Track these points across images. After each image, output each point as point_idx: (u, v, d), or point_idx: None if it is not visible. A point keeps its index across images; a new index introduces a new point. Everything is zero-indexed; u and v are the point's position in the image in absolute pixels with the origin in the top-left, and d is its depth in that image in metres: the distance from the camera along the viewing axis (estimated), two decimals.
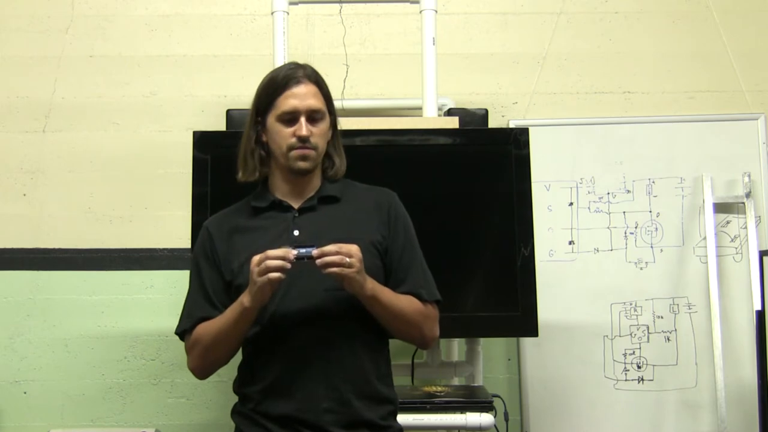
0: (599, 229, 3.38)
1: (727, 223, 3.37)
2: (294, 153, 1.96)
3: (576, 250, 3.37)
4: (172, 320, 3.38)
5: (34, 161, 3.45)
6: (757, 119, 3.43)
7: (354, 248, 1.84)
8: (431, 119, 2.98)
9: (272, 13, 3.03)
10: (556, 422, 3.31)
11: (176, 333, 2.03)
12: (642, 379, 3.32)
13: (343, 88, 3.38)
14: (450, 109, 3.30)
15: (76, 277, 3.40)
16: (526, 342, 3.31)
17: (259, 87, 2.03)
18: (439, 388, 2.77)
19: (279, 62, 2.91)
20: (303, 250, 1.83)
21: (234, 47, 3.50)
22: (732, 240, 3.36)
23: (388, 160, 2.74)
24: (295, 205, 2.01)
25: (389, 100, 3.43)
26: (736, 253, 3.35)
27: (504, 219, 2.78)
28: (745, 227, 3.33)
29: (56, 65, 3.48)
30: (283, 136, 1.96)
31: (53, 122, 3.46)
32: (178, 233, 3.33)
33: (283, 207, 2.01)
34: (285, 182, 2.01)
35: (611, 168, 3.40)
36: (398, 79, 3.43)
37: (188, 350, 2.01)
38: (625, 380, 3.32)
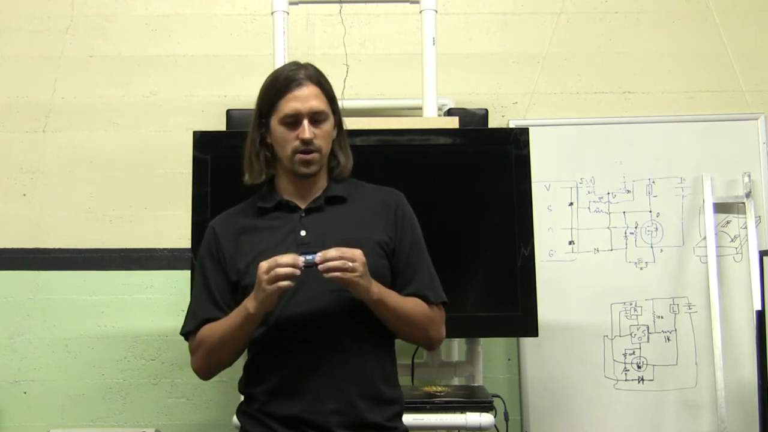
0: (599, 229, 3.38)
1: (727, 223, 3.37)
2: (298, 158, 1.95)
3: (576, 250, 3.37)
4: (172, 320, 3.41)
5: (34, 161, 3.45)
6: (757, 119, 3.43)
7: (357, 253, 1.83)
8: (431, 119, 2.98)
9: (272, 13, 3.03)
10: (556, 422, 3.31)
11: (181, 334, 2.03)
12: (642, 379, 3.32)
13: (343, 88, 3.37)
14: (450, 109, 3.30)
15: (76, 277, 3.40)
16: (526, 342, 3.31)
17: (262, 89, 2.02)
18: (439, 388, 2.77)
19: (279, 62, 2.91)
20: (309, 257, 1.82)
21: (234, 47, 3.50)
22: (732, 240, 3.36)
23: (388, 160, 2.74)
24: (302, 205, 2.00)
25: (389, 100, 3.43)
26: (736, 253, 3.35)
27: (504, 219, 2.78)
28: (745, 227, 3.33)
29: (56, 65, 3.48)
30: (286, 139, 1.95)
31: (53, 122, 3.46)
32: (178, 233, 3.33)
33: (289, 207, 2.00)
34: (291, 183, 2.01)
35: (611, 168, 3.40)
36: (398, 79, 3.43)
37: (192, 351, 2.01)
38: (625, 380, 3.32)
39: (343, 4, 3.37)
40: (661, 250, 3.37)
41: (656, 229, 3.38)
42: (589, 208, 3.39)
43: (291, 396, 1.91)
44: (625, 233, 3.38)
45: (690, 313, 3.33)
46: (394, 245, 1.99)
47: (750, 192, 3.34)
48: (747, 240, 3.33)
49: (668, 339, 3.33)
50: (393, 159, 2.76)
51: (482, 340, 3.01)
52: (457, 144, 2.86)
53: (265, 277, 1.81)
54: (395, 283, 1.98)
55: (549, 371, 3.32)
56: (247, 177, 2.02)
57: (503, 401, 2.79)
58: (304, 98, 1.95)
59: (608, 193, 3.40)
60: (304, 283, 1.87)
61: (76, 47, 3.49)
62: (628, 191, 3.39)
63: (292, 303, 1.91)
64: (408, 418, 2.28)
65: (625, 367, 3.33)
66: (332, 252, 1.82)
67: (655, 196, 3.38)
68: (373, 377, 1.94)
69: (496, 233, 2.80)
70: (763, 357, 3.20)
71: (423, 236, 2.07)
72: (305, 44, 3.47)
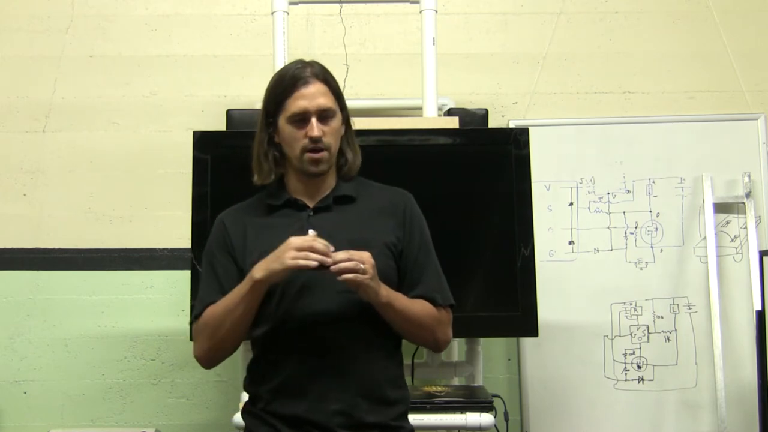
0: (599, 229, 3.38)
1: (727, 223, 3.37)
2: (307, 157, 1.94)
3: (576, 250, 3.37)
4: (172, 320, 3.41)
5: (34, 161, 3.45)
6: (757, 119, 3.43)
7: (366, 255, 1.82)
8: (431, 119, 2.98)
9: (272, 13, 3.03)
10: (556, 422, 3.31)
11: (193, 317, 2.01)
12: (642, 379, 3.32)
13: (343, 89, 3.34)
14: (450, 109, 3.30)
15: (76, 277, 3.40)
16: (526, 342, 3.31)
17: (268, 88, 2.00)
18: (439, 388, 2.76)
19: (279, 62, 2.91)
20: None
21: (234, 47, 3.50)
22: (732, 240, 3.36)
23: (388, 160, 2.73)
24: (310, 204, 1.99)
25: (389, 100, 3.43)
26: (736, 253, 3.35)
27: (504, 219, 2.78)
28: (745, 227, 3.33)
29: (56, 65, 3.48)
30: (295, 137, 1.94)
31: (53, 122, 3.46)
32: (178, 233, 3.33)
33: (298, 206, 1.99)
34: (300, 182, 2.00)
35: (611, 168, 3.40)
36: (398, 79, 3.44)
37: (196, 336, 1.99)
38: (625, 380, 3.32)
39: (343, 4, 3.37)
40: (661, 250, 3.37)
41: (656, 229, 3.38)
42: (589, 208, 3.39)
43: (295, 396, 1.90)
44: (625, 233, 3.38)
45: (690, 313, 3.33)
46: (401, 246, 1.98)
47: (750, 192, 3.34)
48: (747, 240, 3.33)
49: (668, 339, 3.34)
50: (393, 159, 2.76)
51: (482, 340, 3.00)
52: (457, 144, 2.86)
53: (294, 253, 1.80)
54: (402, 284, 1.97)
55: (549, 371, 3.32)
56: (256, 177, 2.00)
57: (503, 401, 2.79)
58: (312, 96, 1.94)
59: (608, 193, 3.40)
60: (311, 282, 1.88)
61: (76, 47, 3.49)
62: (628, 191, 3.39)
63: (299, 302, 1.90)
64: (408, 418, 2.28)
65: (625, 367, 3.33)
66: (341, 254, 1.81)
67: (655, 196, 3.38)
68: (378, 379, 1.94)
69: (496, 233, 2.80)
70: (763, 357, 3.20)
71: None
72: (305, 44, 3.47)
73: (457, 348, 3.11)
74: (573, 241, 3.38)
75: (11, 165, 3.46)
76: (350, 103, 3.47)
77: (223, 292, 1.94)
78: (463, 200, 2.81)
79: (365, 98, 3.41)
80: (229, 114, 3.28)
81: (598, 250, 3.37)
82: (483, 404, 2.61)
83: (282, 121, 1.96)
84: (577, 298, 3.34)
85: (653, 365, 3.32)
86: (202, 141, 2.78)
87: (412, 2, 3.09)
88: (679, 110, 3.49)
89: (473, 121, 3.27)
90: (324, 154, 1.95)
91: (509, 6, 3.55)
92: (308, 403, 1.89)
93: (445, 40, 3.28)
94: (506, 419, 2.77)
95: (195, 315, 1.99)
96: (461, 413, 2.59)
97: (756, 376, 3.23)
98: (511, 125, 3.40)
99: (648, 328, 3.34)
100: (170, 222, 3.39)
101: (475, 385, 2.92)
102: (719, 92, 3.52)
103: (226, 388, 3.31)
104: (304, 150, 1.94)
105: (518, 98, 3.51)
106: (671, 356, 3.33)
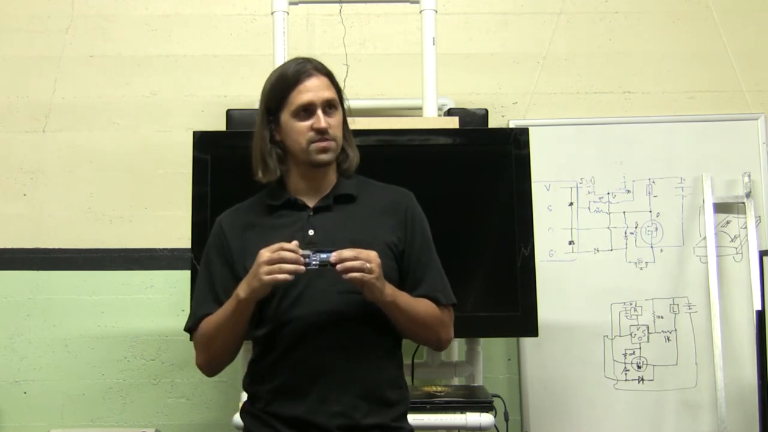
0: (599, 229, 3.38)
1: (727, 223, 3.37)
2: (315, 146, 1.92)
3: (576, 250, 3.37)
4: (172, 320, 3.41)
5: (34, 161, 3.45)
6: (757, 119, 3.43)
7: (373, 254, 1.81)
8: (431, 119, 2.98)
9: (272, 13, 3.03)
10: (556, 422, 3.31)
11: (185, 330, 2.03)
12: (642, 379, 3.32)
13: (343, 88, 3.35)
14: (450, 109, 3.30)
15: (76, 277, 3.40)
16: (526, 342, 3.31)
17: (267, 85, 2.00)
18: (439, 388, 2.76)
19: (279, 62, 2.91)
20: (323, 255, 1.80)
21: (234, 47, 3.50)
22: (732, 240, 3.36)
23: (388, 160, 2.73)
24: (311, 203, 1.98)
25: (389, 100, 3.43)
26: (736, 253, 3.35)
27: (504, 219, 2.78)
28: (745, 227, 3.34)
29: (56, 65, 3.48)
30: (300, 131, 1.93)
31: (53, 122, 3.46)
32: (178, 233, 3.33)
33: (298, 205, 1.98)
34: (301, 179, 1.99)
35: (611, 168, 3.40)
36: (398, 79, 3.44)
37: (195, 347, 2.01)
38: (625, 380, 3.32)
39: (343, 4, 3.37)
40: (661, 250, 3.37)
41: (656, 229, 3.38)
42: (589, 208, 3.39)
43: (296, 397, 1.90)
44: (625, 233, 3.38)
45: (690, 313, 3.33)
46: (403, 246, 1.98)
47: (750, 192, 3.34)
48: (747, 240, 3.33)
49: (668, 339, 3.34)
50: (393, 159, 2.76)
51: (482, 340, 3.01)
52: (457, 144, 2.86)
53: (266, 268, 1.79)
54: (404, 283, 1.96)
55: (549, 371, 3.32)
56: (260, 175, 1.98)
57: (503, 401, 2.79)
58: (317, 88, 1.94)
59: (608, 193, 3.40)
60: (313, 282, 1.87)
61: (76, 47, 3.49)
62: (628, 191, 3.39)
63: (300, 302, 1.89)
64: (408, 418, 2.28)
65: (625, 367, 3.33)
66: (348, 252, 1.80)
67: (655, 196, 3.38)
68: (378, 380, 1.93)
69: (496, 233, 2.80)
70: (763, 357, 3.20)
71: None
72: (305, 44, 3.47)
73: (457, 348, 3.11)
74: (573, 241, 3.38)
75: (11, 165, 3.46)
76: (350, 103, 3.47)
77: (217, 301, 1.95)
78: (463, 200, 2.81)
79: (365, 98, 3.40)
80: (229, 114, 3.28)
81: (598, 250, 3.37)
82: (483, 404, 2.61)
83: (285, 116, 1.95)
84: (577, 298, 3.34)
85: (653, 365, 3.32)
86: (202, 141, 2.78)
87: (412, 2, 3.09)
88: (679, 110, 3.49)
89: (473, 121, 3.27)
90: (332, 143, 1.94)
91: (509, 6, 3.55)
92: (308, 404, 1.88)
93: (445, 40, 3.28)
94: (506, 419, 2.77)
95: (188, 327, 2.01)
96: (461, 413, 2.59)
97: (756, 376, 3.23)
98: (511, 125, 3.40)
99: (648, 328, 3.34)
100: (170, 222, 3.39)
101: (475, 385, 2.92)
102: (719, 92, 3.52)
103: (226, 388, 3.31)
104: (310, 141, 1.93)
105: (518, 98, 3.51)
106: (671, 356, 3.33)
